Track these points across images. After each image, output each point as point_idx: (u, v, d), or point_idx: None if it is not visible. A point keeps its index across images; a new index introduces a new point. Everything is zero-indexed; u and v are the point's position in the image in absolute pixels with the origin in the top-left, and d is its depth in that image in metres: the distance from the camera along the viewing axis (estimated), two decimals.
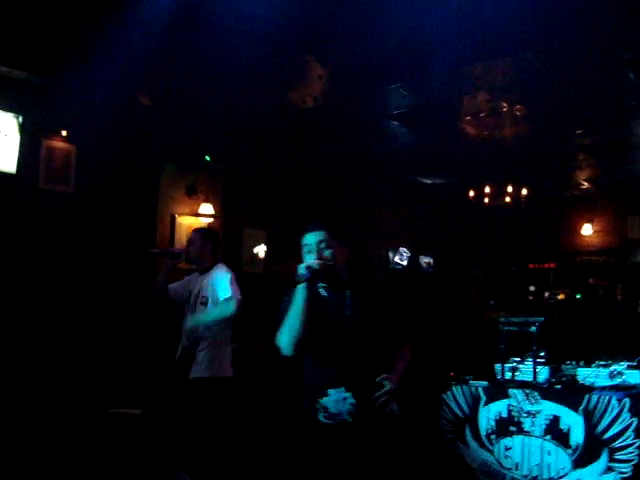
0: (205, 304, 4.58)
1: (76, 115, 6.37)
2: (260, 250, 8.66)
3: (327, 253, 3.04)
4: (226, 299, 4.46)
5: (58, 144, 6.51)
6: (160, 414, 4.55)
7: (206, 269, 4.73)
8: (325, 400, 2.93)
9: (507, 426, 4.73)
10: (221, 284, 4.55)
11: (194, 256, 4.80)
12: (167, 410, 4.50)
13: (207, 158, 7.81)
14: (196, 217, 7.59)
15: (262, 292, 7.23)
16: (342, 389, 2.92)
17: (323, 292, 3.11)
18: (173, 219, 7.49)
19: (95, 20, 5.12)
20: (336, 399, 2.92)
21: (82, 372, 5.96)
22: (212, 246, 4.84)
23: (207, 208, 7.65)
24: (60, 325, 6.04)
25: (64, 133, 6.51)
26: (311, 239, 3.09)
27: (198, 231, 5.02)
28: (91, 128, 6.46)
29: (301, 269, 2.94)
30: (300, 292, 2.94)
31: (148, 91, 6.77)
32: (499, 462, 4.73)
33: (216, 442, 4.47)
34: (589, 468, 4.32)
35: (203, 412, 4.40)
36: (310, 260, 3.01)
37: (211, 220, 7.69)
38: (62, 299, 6.15)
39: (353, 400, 2.90)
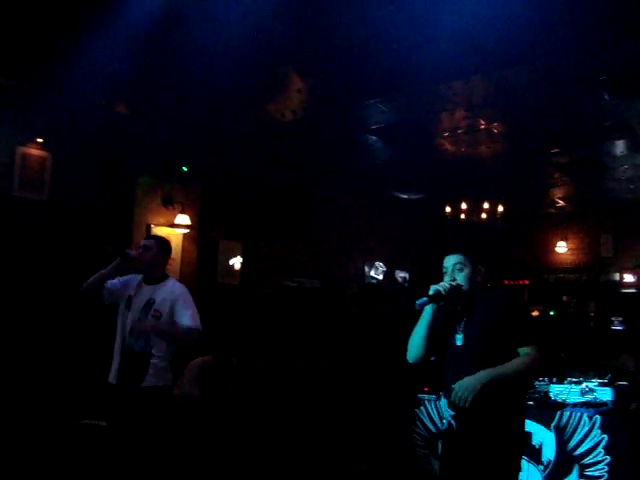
0: (158, 318, 4.40)
1: (52, 123, 6.32)
2: (236, 262, 8.62)
3: (459, 276, 3.28)
4: (189, 328, 4.43)
5: (33, 151, 6.44)
6: (119, 424, 4.39)
7: (156, 280, 4.57)
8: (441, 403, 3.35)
9: None
10: (187, 310, 4.47)
11: (146, 264, 4.57)
12: (125, 420, 4.35)
13: (184, 169, 7.78)
14: (172, 228, 7.55)
15: (237, 304, 7.20)
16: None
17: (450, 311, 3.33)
18: (149, 229, 7.43)
19: (72, 28, 5.09)
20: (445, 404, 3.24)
21: (52, 382, 5.87)
22: (166, 258, 4.73)
23: (183, 219, 7.61)
24: (30, 335, 5.95)
25: (39, 140, 6.44)
26: (448, 261, 3.35)
27: (155, 239, 4.81)
28: (67, 136, 6.42)
29: (431, 290, 3.20)
30: (425, 312, 3.25)
31: (125, 100, 6.73)
32: None
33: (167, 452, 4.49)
34: None
35: (156, 421, 4.35)
36: (442, 283, 3.25)
37: (187, 231, 7.65)
38: (33, 308, 6.07)
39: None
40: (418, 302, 3.18)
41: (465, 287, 3.26)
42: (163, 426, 4.41)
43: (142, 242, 4.71)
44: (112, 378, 4.47)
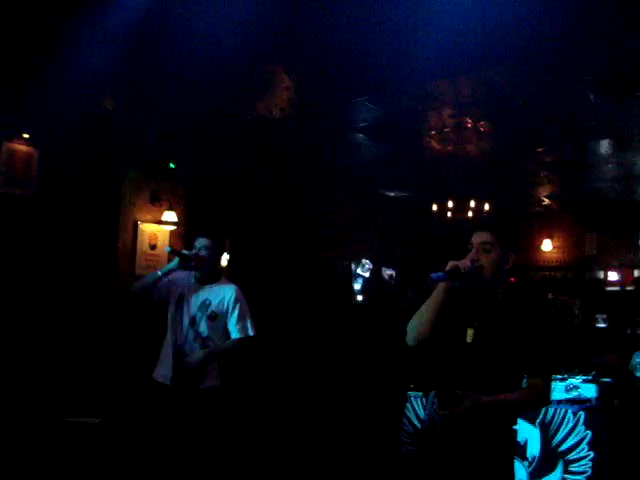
0: (213, 320, 4.40)
1: (39, 118, 6.28)
2: (223, 258, 8.61)
3: (484, 258, 2.84)
4: (234, 344, 4.45)
5: (19, 147, 6.40)
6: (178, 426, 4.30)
7: (210, 279, 4.54)
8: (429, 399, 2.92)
9: None
10: (240, 321, 4.46)
11: (204, 264, 4.46)
12: (173, 419, 4.28)
13: (171, 165, 7.77)
14: (159, 224, 7.54)
15: None
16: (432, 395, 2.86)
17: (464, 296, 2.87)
18: (136, 226, 7.41)
19: (59, 23, 5.07)
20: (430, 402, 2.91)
21: (38, 379, 5.85)
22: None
23: (170, 215, 7.60)
24: (16, 331, 5.92)
25: (26, 136, 6.41)
26: (476, 238, 2.90)
27: (213, 239, 4.55)
28: (54, 132, 6.38)
29: (449, 266, 2.77)
30: (438, 291, 2.82)
31: (112, 96, 6.71)
32: None
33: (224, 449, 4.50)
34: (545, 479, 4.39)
35: (216, 420, 4.37)
36: (464, 260, 2.81)
37: (174, 228, 7.64)
38: (19, 304, 6.04)
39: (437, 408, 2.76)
40: (433, 275, 2.77)
41: (488, 273, 2.83)
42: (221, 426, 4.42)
43: (199, 241, 4.51)
44: (162, 377, 4.36)
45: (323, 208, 10.35)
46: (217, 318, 4.41)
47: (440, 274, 2.76)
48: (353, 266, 11.11)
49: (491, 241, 2.84)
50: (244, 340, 4.45)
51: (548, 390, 2.79)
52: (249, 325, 4.49)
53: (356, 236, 11.12)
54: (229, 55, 5.51)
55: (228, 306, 4.45)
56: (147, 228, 7.47)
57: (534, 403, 2.80)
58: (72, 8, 4.91)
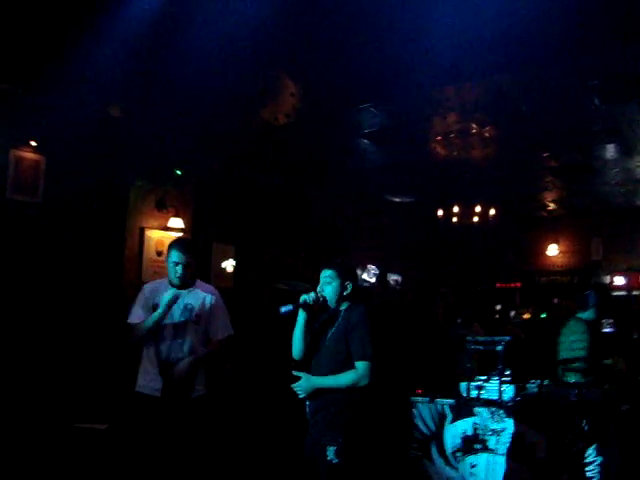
0: (198, 323, 4.29)
1: (46, 125, 6.32)
2: (229, 264, 8.64)
3: (326, 289, 3.73)
4: (221, 342, 4.38)
5: (27, 154, 6.44)
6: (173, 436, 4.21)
7: (188, 284, 4.37)
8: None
9: (472, 444, 4.76)
10: (223, 317, 4.41)
11: (191, 274, 4.35)
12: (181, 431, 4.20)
13: (177, 172, 7.80)
14: (165, 231, 7.56)
15: (230, 307, 7.20)
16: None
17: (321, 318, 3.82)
18: (142, 232, 7.44)
19: (67, 32, 5.10)
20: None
21: (47, 386, 5.87)
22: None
23: (176, 222, 7.62)
24: (25, 337, 5.95)
25: (33, 143, 6.45)
26: (322, 274, 3.79)
27: (189, 252, 4.39)
28: (61, 139, 6.41)
29: (301, 299, 3.65)
30: (299, 316, 3.73)
31: (119, 104, 6.75)
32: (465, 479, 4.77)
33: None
34: None
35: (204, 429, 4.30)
36: (310, 294, 3.68)
37: (180, 234, 7.66)
38: (27, 311, 6.06)
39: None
40: (283, 309, 3.64)
41: (331, 299, 3.72)
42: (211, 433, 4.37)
43: (183, 260, 4.33)
44: (149, 389, 4.17)
45: (329, 214, 10.36)
46: (200, 321, 4.32)
47: (289, 307, 3.65)
48: (359, 272, 11.12)
49: (332, 275, 3.74)
50: (230, 337, 4.40)
51: (368, 371, 3.56)
52: (230, 323, 4.44)
53: (362, 242, 11.12)
54: (236, 62, 5.54)
55: (211, 308, 4.37)
56: (153, 235, 7.49)
57: (357, 380, 3.56)
58: (80, 17, 4.95)
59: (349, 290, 3.77)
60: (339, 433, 3.55)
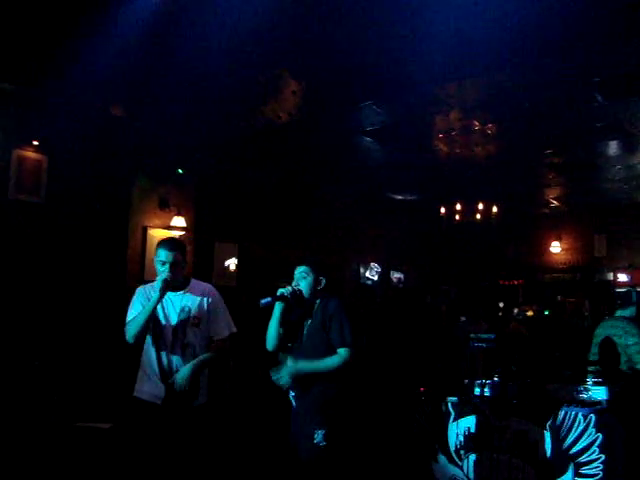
0: (197, 325, 4.11)
1: (48, 125, 6.33)
2: (231, 263, 8.65)
3: (302, 284, 3.92)
4: (224, 341, 4.21)
5: (29, 154, 6.45)
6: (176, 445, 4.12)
7: (182, 285, 4.17)
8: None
9: (476, 441, 4.76)
10: (225, 315, 4.26)
11: (179, 273, 4.11)
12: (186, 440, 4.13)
13: (179, 171, 7.81)
14: (168, 230, 7.57)
15: (233, 305, 7.20)
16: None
17: (297, 311, 3.98)
18: (145, 231, 7.46)
19: (69, 31, 5.10)
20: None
21: (49, 384, 5.88)
22: (186, 264, 4.28)
23: (179, 221, 7.63)
24: (27, 337, 5.96)
25: (35, 143, 6.45)
26: (297, 270, 3.99)
27: (177, 250, 4.15)
28: (63, 139, 6.42)
29: (278, 292, 3.85)
30: (275, 308, 3.90)
31: (121, 103, 6.75)
32: (468, 477, 4.76)
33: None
34: None
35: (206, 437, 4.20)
36: (287, 288, 3.89)
37: (183, 233, 7.67)
38: (30, 310, 6.08)
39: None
40: (262, 301, 3.84)
41: (306, 293, 3.92)
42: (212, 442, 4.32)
43: (170, 258, 4.09)
44: (150, 396, 4.03)
45: (331, 212, 10.35)
46: (200, 323, 4.12)
47: (268, 299, 3.84)
48: (361, 270, 11.11)
49: (307, 271, 3.95)
50: (233, 335, 4.25)
51: (350, 356, 3.76)
52: (232, 321, 4.29)
53: (364, 240, 11.12)
54: (237, 60, 5.53)
55: (210, 308, 4.20)
56: (156, 233, 7.49)
57: (340, 363, 3.75)
58: (81, 17, 4.95)
59: (323, 285, 3.98)
60: (328, 417, 3.70)
